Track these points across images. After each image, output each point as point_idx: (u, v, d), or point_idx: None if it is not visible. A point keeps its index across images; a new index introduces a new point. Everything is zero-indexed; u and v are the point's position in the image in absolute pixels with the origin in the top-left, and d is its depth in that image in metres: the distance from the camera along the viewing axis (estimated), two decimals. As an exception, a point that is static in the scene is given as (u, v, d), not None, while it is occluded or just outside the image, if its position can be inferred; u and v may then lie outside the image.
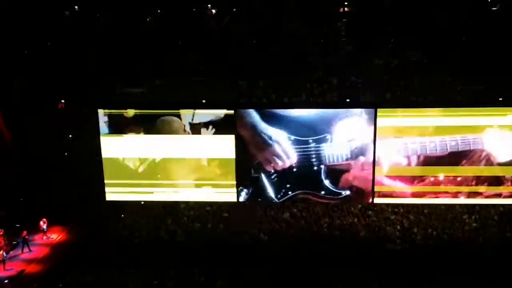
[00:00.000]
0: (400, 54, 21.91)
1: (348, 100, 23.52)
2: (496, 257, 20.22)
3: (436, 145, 21.16)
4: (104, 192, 23.60)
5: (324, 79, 24.32)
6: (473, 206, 22.88)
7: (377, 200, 22.28)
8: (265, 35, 22.02)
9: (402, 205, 23.14)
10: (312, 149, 21.76)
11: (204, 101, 23.77)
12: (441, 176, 21.67)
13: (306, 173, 22.05)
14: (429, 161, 21.35)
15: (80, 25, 22.50)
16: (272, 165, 22.01)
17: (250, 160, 22.07)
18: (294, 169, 22.04)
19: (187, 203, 24.13)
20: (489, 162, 21.20)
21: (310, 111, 21.36)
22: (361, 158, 21.74)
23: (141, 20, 21.85)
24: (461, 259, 20.10)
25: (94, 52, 23.08)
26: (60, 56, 22.95)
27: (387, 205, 23.34)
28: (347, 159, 21.78)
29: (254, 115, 21.39)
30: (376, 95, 24.29)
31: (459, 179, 21.71)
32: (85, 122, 24.57)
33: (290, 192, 22.54)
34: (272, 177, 22.41)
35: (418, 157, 21.38)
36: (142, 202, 24.20)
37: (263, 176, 22.31)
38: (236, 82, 24.63)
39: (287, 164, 21.97)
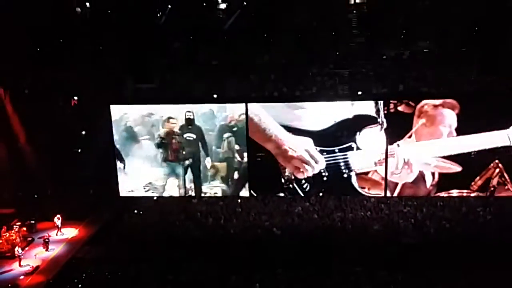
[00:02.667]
0: (412, 45, 21.67)
1: (360, 92, 23.39)
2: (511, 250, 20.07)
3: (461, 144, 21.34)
4: (117, 188, 23.83)
5: (335, 72, 24.17)
6: (488, 198, 22.70)
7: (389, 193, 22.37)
8: (275, 28, 21.88)
9: (415, 197, 23.04)
10: (339, 157, 21.97)
11: (215, 95, 23.82)
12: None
13: (337, 181, 22.58)
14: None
15: (91, 22, 22.51)
16: (302, 171, 22.35)
17: (280, 170, 22.62)
18: (325, 178, 22.32)
19: (200, 198, 24.25)
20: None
21: (331, 123, 22.08)
22: (390, 163, 21.80)
23: (152, 15, 21.78)
24: (476, 252, 19.97)
25: (105, 47, 23.14)
26: (71, 52, 23.02)
27: (400, 198, 23.26)
28: (375, 165, 22.21)
29: (278, 127, 22.28)
30: (388, 87, 24.12)
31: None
32: (98, 119, 24.78)
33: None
34: (304, 186, 22.59)
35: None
36: (155, 198, 24.37)
37: (295, 185, 22.52)
38: (247, 76, 24.58)
39: (317, 169, 22.41)
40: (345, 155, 22.28)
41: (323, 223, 22.74)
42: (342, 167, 22.46)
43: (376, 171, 22.43)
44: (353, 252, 20.56)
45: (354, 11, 23.18)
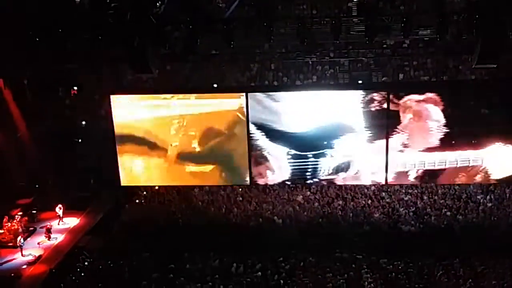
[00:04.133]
0: (412, 34, 21.67)
1: (360, 82, 23.39)
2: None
3: (435, 161, 20.88)
4: (118, 178, 23.82)
5: (335, 61, 24.18)
6: (488, 185, 22.80)
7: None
8: (274, 17, 21.84)
9: (416, 186, 23.10)
10: (310, 163, 21.51)
11: (215, 85, 23.82)
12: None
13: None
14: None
15: (90, 11, 22.43)
16: (264, 179, 21.95)
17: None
18: (288, 182, 22.05)
19: (201, 187, 24.30)
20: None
21: (313, 127, 21.07)
22: (347, 172, 21.48)
23: (151, 4, 21.70)
24: (476, 240, 20.08)
25: (105, 38, 23.11)
26: (71, 43, 22.98)
27: (401, 186, 23.33)
28: (337, 172, 21.52)
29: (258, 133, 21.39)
30: (389, 76, 24.15)
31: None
32: (98, 108, 24.79)
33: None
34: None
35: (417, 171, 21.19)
36: (157, 187, 24.41)
37: None
38: (247, 66, 24.59)
39: (279, 179, 21.87)
40: (317, 161, 21.42)
41: (324, 212, 22.81)
42: (308, 174, 21.65)
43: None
44: (354, 240, 20.67)
45: (354, 0, 23.19)
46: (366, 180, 21.50)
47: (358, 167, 21.25)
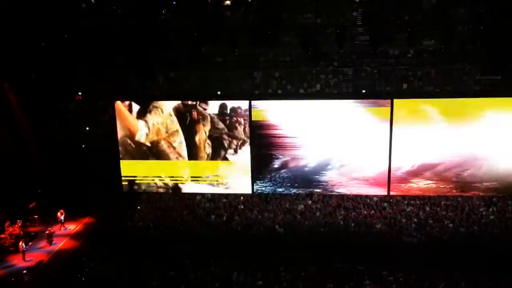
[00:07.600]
0: (416, 44, 21.69)
1: (364, 91, 23.38)
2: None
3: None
4: (121, 184, 23.88)
5: (339, 70, 24.16)
6: (491, 198, 22.71)
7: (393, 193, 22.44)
8: (279, 26, 21.91)
9: (418, 197, 23.04)
10: (328, 154, 23.19)
11: (219, 92, 23.86)
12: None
13: (313, 174, 23.45)
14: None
15: (96, 18, 22.56)
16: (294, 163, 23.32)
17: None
18: (306, 168, 23.31)
19: (203, 195, 24.30)
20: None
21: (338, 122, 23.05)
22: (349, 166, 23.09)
23: (157, 12, 21.83)
24: (478, 252, 19.96)
25: (110, 44, 23.24)
26: (77, 49, 23.10)
27: (403, 197, 23.26)
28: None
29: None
30: (393, 86, 24.10)
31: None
32: (103, 114, 24.86)
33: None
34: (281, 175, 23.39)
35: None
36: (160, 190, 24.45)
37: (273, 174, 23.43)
38: (251, 73, 24.60)
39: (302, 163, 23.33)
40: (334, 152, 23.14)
41: (326, 221, 22.74)
42: (328, 161, 23.21)
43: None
44: (355, 251, 20.59)
45: (359, 9, 23.20)
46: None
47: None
